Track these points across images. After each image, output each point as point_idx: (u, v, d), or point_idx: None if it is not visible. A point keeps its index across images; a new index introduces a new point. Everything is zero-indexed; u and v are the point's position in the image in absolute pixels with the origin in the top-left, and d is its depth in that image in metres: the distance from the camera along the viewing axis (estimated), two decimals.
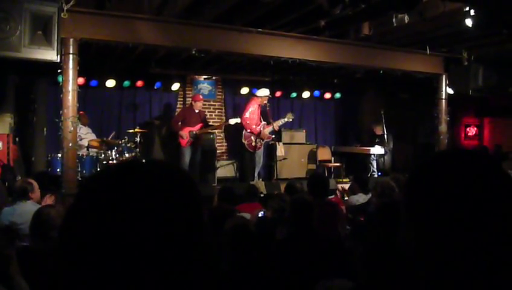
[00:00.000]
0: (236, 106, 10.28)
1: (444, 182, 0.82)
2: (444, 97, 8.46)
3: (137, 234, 0.65)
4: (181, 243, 0.68)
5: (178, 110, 9.88)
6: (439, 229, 0.80)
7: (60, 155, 6.46)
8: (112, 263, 0.64)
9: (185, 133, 8.38)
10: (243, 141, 8.73)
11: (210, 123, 9.45)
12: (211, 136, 9.41)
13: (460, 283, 0.78)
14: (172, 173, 0.75)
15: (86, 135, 8.09)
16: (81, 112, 8.15)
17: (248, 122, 8.68)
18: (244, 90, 10.24)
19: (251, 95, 10.14)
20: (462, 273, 0.78)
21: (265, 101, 8.88)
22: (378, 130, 10.20)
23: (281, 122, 9.15)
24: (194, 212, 0.72)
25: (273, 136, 9.26)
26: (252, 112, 8.75)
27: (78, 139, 6.59)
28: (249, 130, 8.69)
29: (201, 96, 8.99)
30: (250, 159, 8.88)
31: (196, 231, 0.71)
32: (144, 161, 0.79)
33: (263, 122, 8.95)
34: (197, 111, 8.65)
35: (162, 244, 0.66)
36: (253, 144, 8.71)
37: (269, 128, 8.96)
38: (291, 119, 9.32)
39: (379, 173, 10.03)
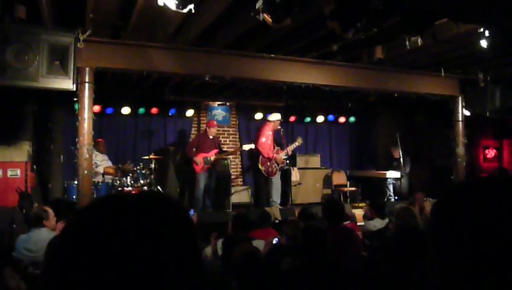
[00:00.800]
0: (251, 132, 10.29)
1: (477, 212, 0.76)
2: (460, 119, 8.35)
3: (126, 265, 0.64)
4: (170, 275, 0.66)
5: (192, 136, 9.93)
6: (469, 266, 0.75)
7: (76, 182, 6.50)
8: None
9: (200, 160, 8.38)
10: (260, 166, 8.68)
11: (224, 149, 9.45)
12: (226, 161, 9.40)
13: None
14: (161, 203, 0.73)
15: (102, 162, 8.15)
16: (99, 140, 8.25)
17: (264, 147, 8.65)
18: (258, 116, 10.27)
19: (265, 120, 10.15)
20: None
21: (278, 126, 8.87)
22: (396, 153, 10.06)
23: (292, 147, 9.14)
24: (183, 243, 0.71)
25: (287, 161, 9.21)
26: (267, 137, 8.74)
27: (94, 167, 6.65)
28: (266, 156, 8.66)
29: (215, 122, 9.02)
30: (266, 185, 8.82)
31: (188, 263, 0.70)
32: (135, 193, 0.78)
33: (277, 148, 8.93)
34: (211, 137, 8.67)
35: (151, 276, 0.64)
36: (270, 169, 8.67)
37: (283, 153, 8.93)
38: (300, 143, 9.31)
39: (395, 198, 9.87)
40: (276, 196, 8.80)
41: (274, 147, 8.86)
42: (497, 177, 0.87)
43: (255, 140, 8.92)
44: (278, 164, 8.78)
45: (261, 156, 8.66)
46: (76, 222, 0.71)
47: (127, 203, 0.72)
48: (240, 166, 10.55)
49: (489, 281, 0.73)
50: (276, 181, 8.85)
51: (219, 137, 9.50)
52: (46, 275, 0.68)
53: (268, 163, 8.66)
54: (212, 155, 8.50)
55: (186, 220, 0.74)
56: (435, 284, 0.79)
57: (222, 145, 9.54)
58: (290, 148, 9.06)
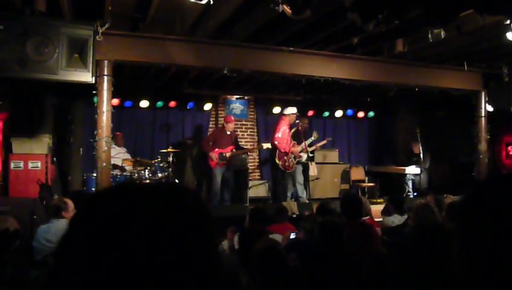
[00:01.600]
0: (269, 126, 10.22)
1: (507, 208, 0.73)
2: (483, 115, 8.17)
3: (139, 254, 0.61)
4: (185, 265, 0.64)
5: (210, 130, 9.93)
6: (497, 260, 0.71)
7: (95, 174, 6.55)
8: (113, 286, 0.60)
9: (215, 155, 8.36)
10: (277, 161, 8.63)
11: (241, 144, 9.39)
12: (243, 155, 9.37)
13: None
14: (177, 194, 0.70)
15: (118, 155, 8.17)
16: (117, 133, 8.31)
17: (280, 142, 8.60)
18: (277, 110, 10.20)
19: (281, 114, 10.11)
20: None
21: (295, 120, 8.80)
22: (416, 149, 9.91)
23: (308, 141, 9.07)
24: (200, 234, 0.68)
25: (311, 154, 9.19)
26: (283, 131, 8.67)
27: None
28: (283, 151, 8.61)
29: (233, 118, 8.98)
30: (283, 179, 8.78)
31: (202, 253, 0.67)
32: (150, 183, 0.77)
33: (293, 142, 8.86)
34: (228, 133, 8.64)
35: (166, 266, 0.62)
36: (287, 163, 8.62)
37: (299, 148, 8.88)
38: (316, 138, 9.25)
39: (415, 194, 9.73)
40: (300, 190, 8.77)
41: (291, 141, 8.80)
42: None
43: (271, 135, 8.86)
44: (295, 158, 8.73)
45: (277, 151, 8.61)
46: (86, 209, 0.69)
47: (140, 191, 0.70)
48: (258, 160, 10.53)
49: None
50: (298, 174, 8.81)
51: (236, 132, 9.46)
52: (55, 261, 0.66)
53: (285, 157, 8.61)
54: (227, 151, 8.48)
55: (202, 210, 0.71)
56: (463, 283, 0.76)
57: (240, 139, 9.51)
58: (305, 143, 9.00)
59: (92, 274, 0.61)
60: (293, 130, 9.00)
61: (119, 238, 0.62)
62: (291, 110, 8.83)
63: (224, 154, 8.42)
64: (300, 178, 8.85)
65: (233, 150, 8.60)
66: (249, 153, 9.89)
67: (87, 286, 0.61)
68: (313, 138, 9.20)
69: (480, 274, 0.73)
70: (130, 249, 0.62)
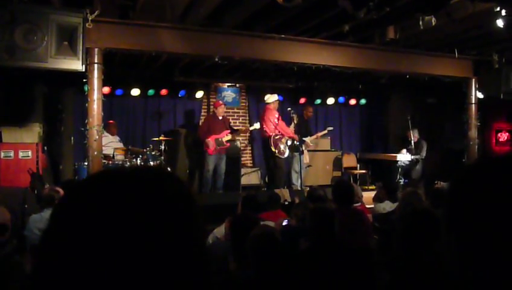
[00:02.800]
0: (261, 113, 10.21)
1: (493, 191, 0.74)
2: (473, 102, 8.22)
3: (123, 241, 0.62)
4: (167, 249, 0.64)
5: (202, 118, 9.91)
6: (485, 244, 0.72)
7: (86, 163, 6.53)
8: (95, 271, 0.61)
9: (212, 142, 8.36)
10: (273, 149, 8.61)
11: (235, 127, 9.37)
12: (236, 143, 9.38)
13: None
14: (161, 178, 0.71)
15: (109, 144, 8.14)
16: (110, 121, 8.27)
17: (278, 130, 8.62)
18: (267, 97, 10.16)
19: (265, 104, 10.21)
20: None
21: (278, 106, 8.87)
22: (412, 136, 9.78)
23: (323, 132, 9.56)
24: (182, 217, 0.68)
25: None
26: (273, 120, 8.66)
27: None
28: (288, 135, 8.66)
29: (221, 102, 9.00)
30: (276, 167, 8.77)
31: (186, 237, 0.67)
32: (132, 167, 0.76)
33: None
34: (220, 118, 8.63)
35: (147, 250, 0.63)
36: (282, 149, 8.62)
37: (310, 138, 9.36)
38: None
39: (405, 181, 9.78)
40: (295, 178, 8.97)
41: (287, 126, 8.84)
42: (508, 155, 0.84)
43: (261, 126, 8.82)
44: (287, 143, 8.74)
45: (271, 139, 8.59)
46: (68, 198, 0.69)
47: (122, 176, 0.70)
48: (250, 148, 10.54)
49: (508, 261, 0.70)
50: (296, 164, 8.92)
51: (228, 118, 9.47)
52: (39, 248, 0.67)
53: (279, 143, 8.60)
54: (223, 136, 8.47)
55: (185, 194, 0.71)
56: (451, 266, 0.77)
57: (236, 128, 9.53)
58: (319, 134, 9.53)
59: (76, 263, 0.61)
60: (296, 121, 9.03)
61: (101, 226, 0.62)
62: (273, 97, 8.87)
63: (220, 139, 8.42)
64: (296, 166, 8.91)
65: (228, 134, 8.60)
66: (241, 141, 9.90)
67: (71, 276, 0.61)
68: (330, 128, 9.55)
69: (467, 259, 0.74)
70: (113, 236, 0.62)
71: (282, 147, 8.63)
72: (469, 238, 0.74)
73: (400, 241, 2.24)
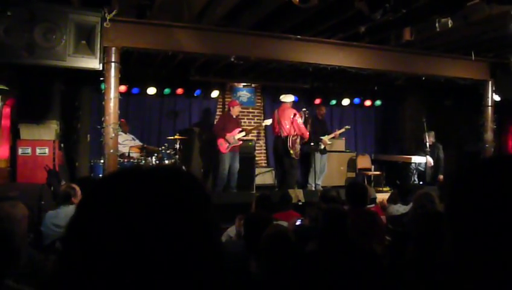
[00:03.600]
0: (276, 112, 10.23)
1: (490, 190, 0.76)
2: (490, 104, 8.14)
3: (142, 236, 0.64)
4: (185, 247, 0.66)
5: (217, 117, 9.95)
6: (480, 241, 0.74)
7: (102, 161, 6.61)
8: (117, 267, 0.63)
9: (227, 140, 8.40)
10: (291, 151, 8.55)
11: (244, 127, 9.35)
12: (250, 143, 9.41)
13: None
14: (178, 177, 0.73)
15: (124, 142, 8.23)
16: (121, 120, 8.35)
17: (302, 130, 8.65)
18: (284, 98, 10.18)
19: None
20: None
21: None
22: (429, 139, 9.74)
23: (340, 131, 9.56)
24: (199, 216, 0.70)
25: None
26: (298, 118, 8.68)
27: None
28: (307, 137, 8.68)
29: (237, 101, 9.05)
30: (292, 167, 8.75)
31: (201, 236, 0.69)
32: (150, 166, 0.79)
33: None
34: (234, 117, 8.68)
35: (166, 247, 0.65)
36: (298, 151, 8.61)
37: (329, 136, 9.44)
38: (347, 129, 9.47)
39: (421, 183, 9.72)
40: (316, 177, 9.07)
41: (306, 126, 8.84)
42: (508, 155, 0.86)
43: (283, 126, 8.80)
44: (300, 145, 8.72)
45: (289, 140, 8.56)
46: (92, 193, 0.71)
47: (143, 174, 0.72)
48: (264, 147, 10.56)
49: (503, 257, 0.72)
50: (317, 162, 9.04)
51: (239, 115, 9.56)
52: (63, 245, 0.69)
53: (296, 145, 8.58)
54: (235, 134, 8.51)
55: (202, 193, 0.73)
56: (450, 261, 0.79)
57: (247, 127, 9.56)
58: (338, 133, 9.57)
59: (100, 256, 0.63)
60: (311, 121, 9.04)
61: (124, 221, 0.64)
62: (290, 97, 8.91)
63: (234, 137, 8.46)
64: (314, 165, 9.04)
65: (240, 131, 8.64)
66: (255, 140, 9.93)
67: (95, 268, 0.63)
68: (348, 127, 9.58)
69: (462, 254, 0.76)
70: (135, 231, 0.64)
71: (298, 148, 8.62)
72: (465, 233, 0.76)
73: (413, 244, 2.24)
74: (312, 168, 9.18)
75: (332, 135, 9.55)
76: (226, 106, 9.89)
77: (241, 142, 8.61)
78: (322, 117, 9.78)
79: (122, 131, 8.32)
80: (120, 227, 0.64)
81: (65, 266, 0.67)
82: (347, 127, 10.02)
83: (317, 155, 9.16)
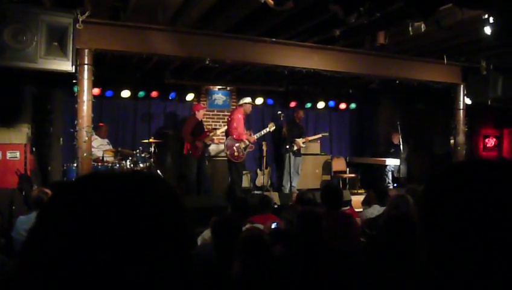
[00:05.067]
0: (251, 116, 10.22)
1: (460, 193, 0.76)
2: (461, 107, 8.31)
3: (110, 244, 0.61)
4: (158, 254, 0.64)
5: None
6: (453, 246, 0.74)
7: (75, 165, 6.50)
8: (83, 277, 0.60)
9: (200, 144, 8.36)
10: (226, 151, 8.41)
11: (222, 135, 9.30)
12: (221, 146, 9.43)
13: None
14: (150, 182, 0.70)
15: (99, 147, 8.11)
16: (100, 124, 8.23)
17: (234, 131, 8.45)
18: (259, 101, 10.21)
19: (266, 105, 10.26)
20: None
21: (251, 109, 8.76)
22: (395, 139, 10.10)
23: (262, 132, 8.99)
24: (172, 221, 0.68)
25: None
26: (238, 120, 8.48)
27: None
28: (238, 138, 8.38)
29: (202, 105, 9.15)
30: (232, 170, 8.48)
31: (174, 239, 0.67)
32: (120, 171, 0.77)
33: (248, 131, 8.78)
34: (199, 120, 8.65)
35: (139, 255, 0.62)
36: (236, 153, 8.37)
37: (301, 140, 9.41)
38: (272, 129, 9.06)
39: (395, 185, 9.88)
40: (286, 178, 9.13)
41: (245, 130, 8.68)
42: (483, 159, 0.87)
43: (227, 125, 8.71)
44: (245, 149, 8.49)
45: (226, 141, 8.45)
46: (55, 199, 0.68)
47: (111, 179, 0.70)
48: None
49: (475, 261, 0.72)
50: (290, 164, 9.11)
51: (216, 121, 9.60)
52: (22, 248, 0.66)
53: (234, 147, 8.35)
54: (205, 138, 8.49)
55: (173, 198, 0.71)
56: (423, 266, 0.79)
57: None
58: (257, 135, 8.95)
59: (61, 263, 0.60)
60: (287, 124, 9.06)
61: (89, 228, 0.61)
62: (246, 99, 8.74)
63: (203, 140, 8.47)
64: (288, 167, 9.16)
65: (208, 134, 8.69)
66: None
67: (56, 276, 0.60)
68: (268, 128, 8.99)
69: (437, 258, 0.76)
70: (101, 238, 0.61)
71: (237, 151, 8.36)
72: (439, 238, 0.76)
73: (382, 245, 2.26)
74: (286, 170, 9.21)
75: (306, 139, 9.56)
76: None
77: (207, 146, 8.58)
78: (300, 120, 9.84)
79: (99, 136, 8.20)
80: (83, 233, 0.61)
81: (24, 271, 0.64)
82: (324, 134, 10.11)
83: (292, 157, 9.19)
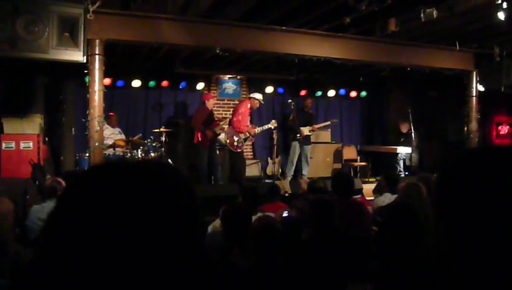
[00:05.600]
0: (261, 105, 10.22)
1: (477, 180, 0.77)
2: (474, 94, 8.23)
3: (126, 232, 0.63)
4: (171, 242, 0.65)
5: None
6: (471, 231, 0.74)
7: (87, 154, 6.56)
8: (101, 264, 0.62)
9: (210, 133, 8.37)
10: (226, 140, 8.56)
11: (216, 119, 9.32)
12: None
13: (491, 287, 0.72)
14: (162, 171, 0.72)
15: (110, 136, 8.16)
16: (110, 113, 8.27)
17: (237, 122, 8.60)
18: (269, 89, 10.20)
19: (276, 94, 10.23)
20: (495, 278, 0.72)
21: (258, 105, 8.82)
22: (404, 128, 10.05)
23: (264, 127, 9.03)
24: (184, 210, 0.69)
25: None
26: (242, 113, 8.63)
27: None
28: (237, 129, 8.55)
29: (211, 94, 9.08)
30: (230, 159, 8.70)
31: (186, 228, 0.68)
32: (133, 161, 0.78)
33: (250, 125, 8.93)
34: (210, 109, 8.64)
35: (153, 243, 0.64)
36: (235, 143, 8.51)
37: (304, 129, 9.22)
38: (274, 126, 9.03)
39: (406, 173, 9.83)
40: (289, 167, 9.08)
41: (248, 123, 8.84)
42: (498, 146, 0.87)
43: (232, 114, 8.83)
44: (245, 140, 8.64)
45: (227, 130, 8.58)
46: (73, 185, 0.70)
47: (125, 168, 0.71)
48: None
49: (492, 245, 0.73)
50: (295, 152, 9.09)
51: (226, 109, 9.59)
52: (42, 236, 0.68)
53: (234, 137, 8.49)
54: (215, 127, 8.48)
55: (186, 189, 0.72)
56: (437, 249, 0.80)
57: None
58: (259, 129, 9.02)
59: (79, 249, 0.62)
60: (295, 112, 9.08)
61: (105, 216, 0.63)
62: (257, 95, 8.80)
63: (213, 129, 8.44)
64: (292, 156, 9.13)
65: (218, 123, 8.61)
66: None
67: (75, 261, 0.62)
68: (269, 125, 8.98)
69: (455, 247, 0.77)
70: (116, 226, 0.63)
71: (237, 141, 8.51)
72: (457, 226, 0.77)
73: (385, 233, 2.27)
74: (289, 158, 9.26)
75: (313, 127, 9.45)
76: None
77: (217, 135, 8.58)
78: (308, 109, 9.81)
79: (109, 125, 8.25)
80: (100, 221, 0.63)
81: (43, 259, 0.66)
82: (334, 120, 10.05)
83: (297, 146, 9.13)
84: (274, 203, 4.81)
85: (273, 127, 8.99)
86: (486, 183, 0.75)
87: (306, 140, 9.26)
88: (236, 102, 10.23)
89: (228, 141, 8.46)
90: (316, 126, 9.55)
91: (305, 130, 9.21)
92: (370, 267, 2.51)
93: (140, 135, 8.53)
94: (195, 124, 8.57)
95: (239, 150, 8.56)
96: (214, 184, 8.40)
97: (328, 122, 9.91)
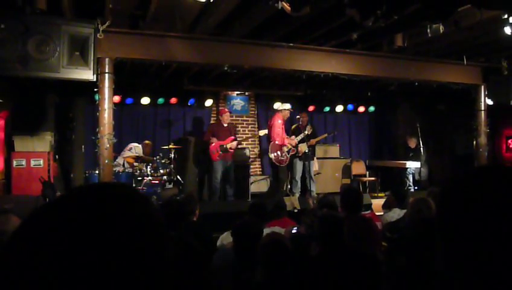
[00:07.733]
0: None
1: (479, 199, 0.77)
2: (483, 108, 8.20)
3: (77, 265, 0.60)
4: (128, 272, 0.63)
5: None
6: (468, 253, 0.75)
7: (97, 172, 6.60)
8: None
9: (216, 147, 8.38)
10: (270, 155, 8.66)
11: (238, 136, 9.37)
12: (244, 151, 9.43)
13: None
14: (124, 199, 0.70)
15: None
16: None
17: (275, 136, 8.64)
18: (277, 105, 10.21)
19: (276, 111, 10.26)
20: None
21: (288, 115, 8.86)
22: (412, 143, 10.02)
23: (301, 136, 9.00)
24: (144, 236, 0.67)
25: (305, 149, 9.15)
26: (278, 125, 8.65)
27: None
28: (280, 143, 8.60)
29: (226, 109, 9.05)
30: (279, 173, 8.78)
31: (147, 257, 0.65)
32: (88, 187, 0.75)
33: (287, 136, 8.90)
34: (225, 125, 8.66)
35: (108, 274, 0.61)
36: (280, 158, 8.60)
37: (296, 140, 9.03)
38: (310, 132, 9.05)
39: (415, 188, 9.77)
40: (294, 184, 8.91)
41: (285, 135, 8.80)
42: (499, 166, 0.87)
43: (268, 131, 8.86)
44: (288, 152, 8.69)
45: (270, 145, 8.62)
46: (29, 219, 0.68)
47: (85, 198, 0.70)
48: (259, 155, 10.57)
49: (488, 264, 0.73)
50: (296, 169, 8.92)
51: (234, 124, 9.57)
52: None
53: (279, 152, 8.58)
54: (228, 142, 8.49)
55: (149, 216, 0.70)
56: (439, 268, 0.80)
57: (241, 135, 9.61)
58: (297, 139, 9.02)
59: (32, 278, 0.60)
60: (294, 126, 9.10)
61: (59, 247, 0.61)
62: (286, 106, 8.85)
63: (224, 145, 8.44)
64: (294, 173, 9.00)
65: (233, 140, 8.59)
66: (250, 149, 9.94)
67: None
68: (306, 132, 8.98)
69: (452, 262, 0.77)
70: (72, 256, 0.60)
71: (281, 155, 8.59)
72: (455, 242, 0.77)
73: (408, 249, 2.25)
74: (292, 176, 9.09)
75: (311, 142, 9.18)
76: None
77: (232, 150, 8.56)
78: (305, 125, 9.29)
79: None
80: (47, 259, 0.61)
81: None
82: (331, 132, 9.99)
83: (297, 163, 8.98)
84: (281, 219, 4.79)
85: (309, 133, 9.07)
86: (485, 205, 0.75)
87: (306, 157, 8.97)
88: (245, 118, 10.30)
89: (273, 157, 8.56)
90: (314, 140, 9.39)
91: (303, 147, 8.94)
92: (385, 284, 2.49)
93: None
94: (204, 138, 8.64)
95: (283, 164, 8.65)
96: (222, 200, 8.40)
97: (325, 135, 9.78)
